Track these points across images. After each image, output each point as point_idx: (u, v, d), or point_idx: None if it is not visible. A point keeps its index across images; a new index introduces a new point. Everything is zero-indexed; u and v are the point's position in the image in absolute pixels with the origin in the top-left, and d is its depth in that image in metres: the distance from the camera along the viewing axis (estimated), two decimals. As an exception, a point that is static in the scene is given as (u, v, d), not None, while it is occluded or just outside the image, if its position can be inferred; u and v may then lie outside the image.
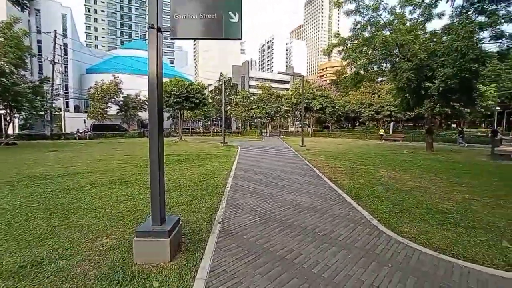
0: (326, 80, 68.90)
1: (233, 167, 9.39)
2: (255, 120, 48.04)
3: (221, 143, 20.79)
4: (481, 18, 13.70)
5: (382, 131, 32.01)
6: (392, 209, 4.79)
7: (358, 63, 16.12)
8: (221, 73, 44.36)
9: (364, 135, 34.19)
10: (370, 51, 16.53)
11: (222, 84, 23.96)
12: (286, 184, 6.79)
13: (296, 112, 42.07)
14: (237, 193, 5.91)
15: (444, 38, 14.85)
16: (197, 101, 25.56)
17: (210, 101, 55.94)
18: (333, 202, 5.29)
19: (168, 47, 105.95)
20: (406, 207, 4.90)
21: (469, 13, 13.99)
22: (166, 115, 50.24)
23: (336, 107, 38.00)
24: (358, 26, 15.84)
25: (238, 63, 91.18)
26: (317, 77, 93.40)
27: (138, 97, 44.68)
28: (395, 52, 14.61)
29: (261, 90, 48.17)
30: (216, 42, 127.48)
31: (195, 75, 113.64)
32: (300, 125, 58.31)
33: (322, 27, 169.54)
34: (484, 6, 13.46)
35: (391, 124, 40.32)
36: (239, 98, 48.96)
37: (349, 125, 51.26)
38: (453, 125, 40.26)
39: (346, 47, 17.04)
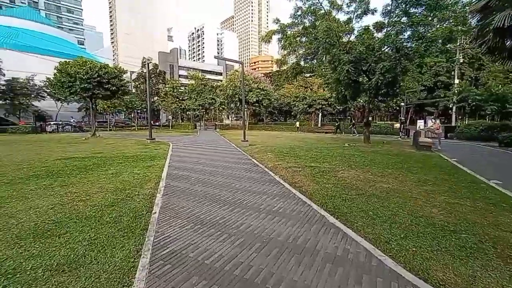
0: (260, 73, 69.33)
1: (162, 175, 6.99)
2: (188, 112, 44.08)
3: (148, 139, 17.35)
4: (405, 19, 14.59)
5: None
6: (392, 231, 3.56)
7: (300, 52, 15.44)
8: (144, 57, 38.77)
9: (297, 127, 35.87)
10: (310, 42, 16.09)
11: (147, 68, 20.11)
12: (241, 199, 4.98)
13: (231, 105, 40.34)
14: (171, 225, 3.77)
15: (375, 34, 15.50)
16: (114, 88, 20.89)
17: (134, 90, 48.80)
18: (315, 226, 3.77)
19: (75, 23, 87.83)
20: (405, 226, 3.74)
21: (396, 12, 14.78)
22: (75, 105, 41.70)
23: (272, 100, 37.94)
24: (299, 12, 15.01)
25: (165, 50, 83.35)
26: (250, 69, 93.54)
27: (32, 82, 35.15)
28: (335, 42, 14.35)
29: (193, 80, 44.29)
30: (139, 23, 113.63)
31: (114, 60, 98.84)
32: (236, 118, 57.06)
33: (252, 21, 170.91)
34: (407, 8, 14.35)
35: (319, 117, 42.89)
36: (169, 87, 44.03)
37: (282, 118, 52.70)
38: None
39: (286, 35, 16.23)
